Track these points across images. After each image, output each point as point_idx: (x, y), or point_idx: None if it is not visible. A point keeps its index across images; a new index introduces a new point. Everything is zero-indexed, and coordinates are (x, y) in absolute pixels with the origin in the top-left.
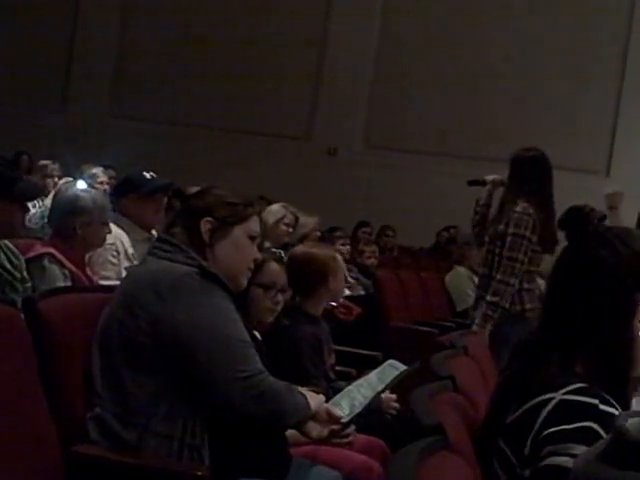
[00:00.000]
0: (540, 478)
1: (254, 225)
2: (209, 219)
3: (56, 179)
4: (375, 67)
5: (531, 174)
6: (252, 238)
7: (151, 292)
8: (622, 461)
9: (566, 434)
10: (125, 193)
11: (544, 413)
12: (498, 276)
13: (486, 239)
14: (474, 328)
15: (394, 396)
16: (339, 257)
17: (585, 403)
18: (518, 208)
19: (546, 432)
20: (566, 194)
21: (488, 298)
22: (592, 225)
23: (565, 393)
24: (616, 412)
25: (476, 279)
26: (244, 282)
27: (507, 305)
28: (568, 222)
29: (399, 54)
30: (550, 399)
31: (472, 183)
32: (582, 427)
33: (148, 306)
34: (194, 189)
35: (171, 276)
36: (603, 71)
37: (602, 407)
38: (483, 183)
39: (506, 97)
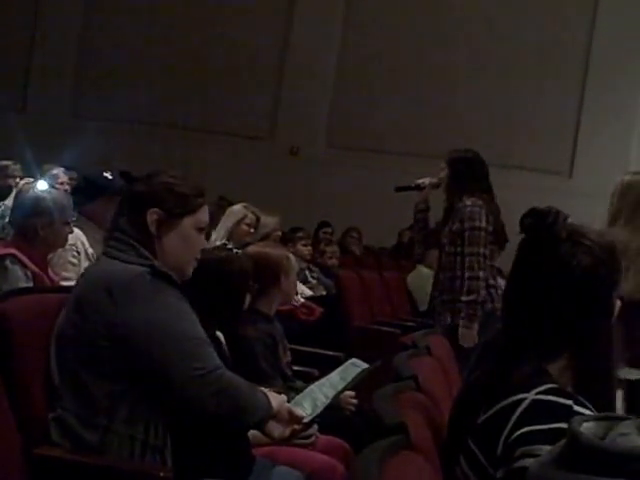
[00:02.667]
0: None
1: (203, 216)
2: (156, 210)
3: (17, 179)
4: (338, 67)
5: (472, 173)
6: (200, 229)
7: (104, 296)
8: (575, 464)
9: (540, 435)
10: (94, 197)
11: (517, 413)
12: (466, 274)
13: (444, 241)
14: (461, 331)
15: (352, 392)
16: (292, 257)
17: (559, 404)
18: (468, 202)
19: (519, 432)
20: (529, 194)
21: (464, 298)
22: (562, 227)
23: (538, 393)
24: (591, 413)
25: None
26: (190, 272)
27: (481, 299)
28: (534, 225)
29: (362, 54)
30: (522, 399)
31: (401, 189)
32: (556, 428)
33: (102, 310)
34: None
35: (123, 279)
36: (566, 72)
37: (576, 408)
38: (417, 188)
39: (470, 97)
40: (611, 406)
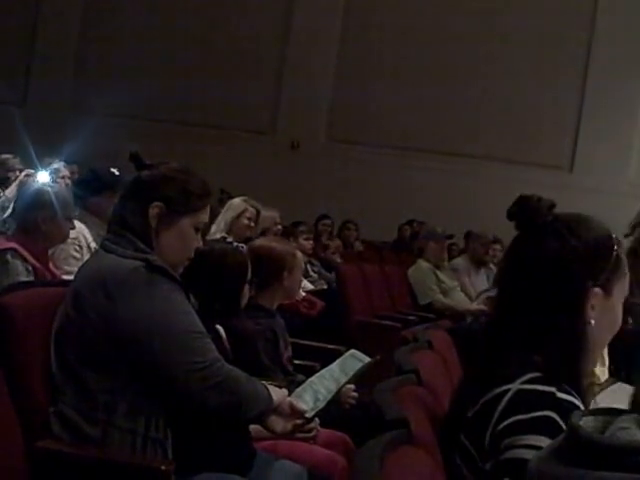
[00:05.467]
0: (500, 472)
1: (203, 217)
2: (159, 204)
3: (17, 172)
4: (338, 60)
5: None
6: (198, 229)
7: (100, 292)
8: (574, 459)
9: (524, 425)
10: (99, 191)
11: (502, 404)
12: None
13: None
14: None
15: (352, 386)
16: (299, 255)
17: (542, 392)
18: None
19: (504, 423)
20: (529, 189)
21: None
22: (541, 215)
23: (522, 383)
24: (574, 400)
25: (439, 273)
26: (180, 270)
27: None
28: (517, 212)
29: (362, 48)
30: (507, 390)
31: None
32: (540, 417)
33: (98, 307)
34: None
35: (118, 274)
36: (567, 67)
37: (559, 395)
38: None
39: (471, 92)
40: (581, 397)
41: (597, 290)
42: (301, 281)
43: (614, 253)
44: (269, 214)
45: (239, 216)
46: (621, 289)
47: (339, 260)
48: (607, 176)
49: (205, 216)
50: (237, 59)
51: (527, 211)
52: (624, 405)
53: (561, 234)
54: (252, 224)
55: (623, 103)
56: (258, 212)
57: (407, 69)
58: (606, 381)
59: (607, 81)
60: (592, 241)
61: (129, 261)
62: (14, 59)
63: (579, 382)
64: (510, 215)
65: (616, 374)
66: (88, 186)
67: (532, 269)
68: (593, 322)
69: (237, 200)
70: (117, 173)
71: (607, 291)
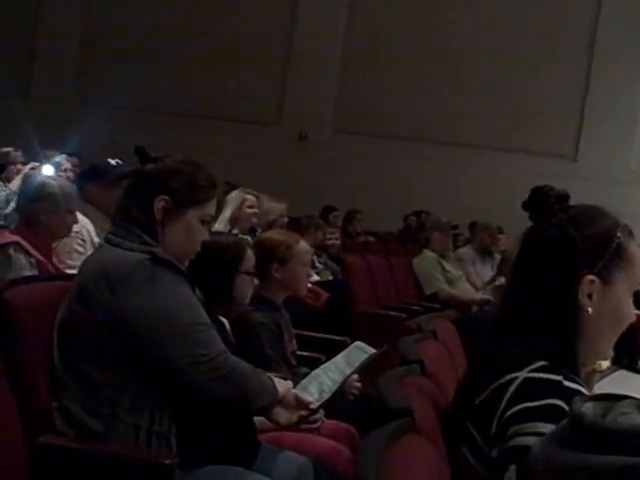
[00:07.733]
0: (506, 459)
1: (210, 209)
2: (165, 197)
3: (19, 166)
4: (344, 51)
5: None
6: (204, 222)
7: (104, 286)
8: (577, 444)
9: (531, 412)
10: (89, 180)
11: (509, 392)
12: None
13: None
14: None
15: (356, 376)
16: (299, 248)
17: (549, 380)
18: None
19: (511, 411)
20: (533, 178)
21: None
22: (548, 205)
23: (530, 371)
24: (581, 388)
25: (445, 263)
26: (186, 263)
27: None
28: (529, 203)
29: (369, 38)
30: (515, 378)
31: None
32: (547, 405)
33: (102, 300)
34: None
35: (122, 267)
36: (571, 55)
37: (566, 384)
38: None
39: (475, 81)
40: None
41: (592, 278)
42: (309, 275)
43: (615, 241)
44: (277, 206)
45: (241, 207)
46: (627, 279)
47: (338, 248)
48: (611, 165)
49: (212, 209)
50: (244, 50)
51: (536, 201)
52: (625, 392)
53: (562, 224)
54: (255, 210)
55: (627, 92)
56: (257, 197)
57: (412, 60)
58: (608, 368)
59: (611, 69)
60: (591, 230)
61: (134, 254)
62: (17, 52)
63: (576, 371)
64: (524, 205)
65: (618, 362)
66: (83, 176)
67: (533, 258)
68: (591, 310)
69: (234, 193)
70: (114, 163)
71: (606, 280)
